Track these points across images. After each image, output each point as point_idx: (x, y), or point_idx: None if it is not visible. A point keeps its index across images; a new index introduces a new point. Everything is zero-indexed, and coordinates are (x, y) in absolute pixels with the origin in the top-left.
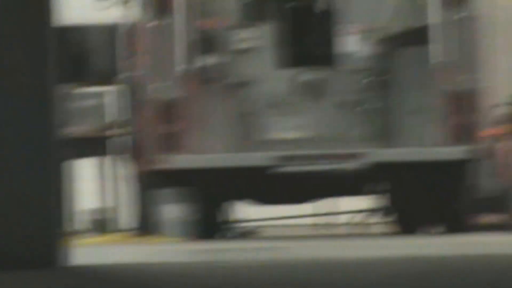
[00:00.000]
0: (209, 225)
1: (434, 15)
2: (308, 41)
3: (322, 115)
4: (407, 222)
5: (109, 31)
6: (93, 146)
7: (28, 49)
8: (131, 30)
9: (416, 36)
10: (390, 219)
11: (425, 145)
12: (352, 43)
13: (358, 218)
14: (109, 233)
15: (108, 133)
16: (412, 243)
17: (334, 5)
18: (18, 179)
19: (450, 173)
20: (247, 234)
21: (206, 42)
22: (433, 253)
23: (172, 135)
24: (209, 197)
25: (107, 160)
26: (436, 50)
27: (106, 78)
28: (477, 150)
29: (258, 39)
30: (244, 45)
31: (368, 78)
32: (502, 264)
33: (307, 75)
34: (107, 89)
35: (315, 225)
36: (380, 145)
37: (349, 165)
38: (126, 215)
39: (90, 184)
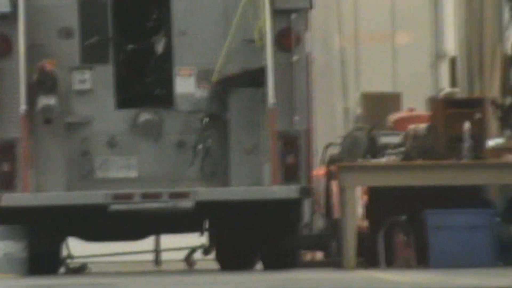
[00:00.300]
0: (43, 262)
1: (268, 57)
2: (146, 82)
3: (159, 154)
4: (234, 257)
5: None
6: None
7: None
8: None
9: (252, 78)
10: (218, 255)
11: (258, 184)
12: (189, 85)
13: (187, 254)
14: None
15: None
16: (239, 279)
17: (171, 48)
18: None
19: (278, 210)
20: (79, 270)
21: (47, 83)
22: None
23: (8, 174)
24: (44, 234)
25: None
26: (269, 91)
27: None
28: (305, 189)
29: (97, 80)
30: (84, 86)
31: (204, 119)
32: None
33: (145, 115)
34: None
35: (146, 262)
36: (215, 184)
37: (181, 204)
38: None
39: None
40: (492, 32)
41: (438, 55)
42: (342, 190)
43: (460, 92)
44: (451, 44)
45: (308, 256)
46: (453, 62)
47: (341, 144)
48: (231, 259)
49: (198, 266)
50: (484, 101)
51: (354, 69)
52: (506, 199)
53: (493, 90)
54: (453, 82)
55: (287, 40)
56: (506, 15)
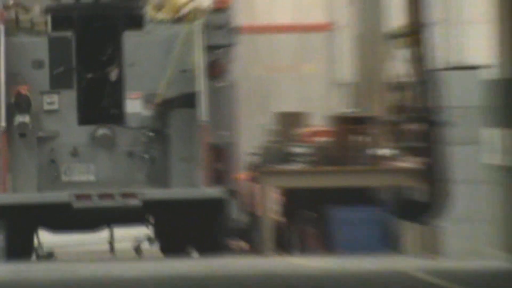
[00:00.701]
0: (18, 250)
1: (200, 84)
2: (102, 104)
3: (113, 162)
4: (174, 247)
5: None
6: None
7: None
8: None
9: (187, 100)
10: (161, 245)
11: (194, 186)
12: (137, 106)
13: (135, 244)
14: None
15: None
16: (176, 265)
17: (123, 76)
18: None
19: (210, 208)
20: (47, 257)
21: (22, 105)
22: (192, 272)
23: None
24: (19, 227)
25: None
26: (201, 111)
27: None
28: (231, 190)
29: (63, 102)
30: (52, 107)
31: (149, 134)
32: (252, 282)
33: (101, 130)
34: None
35: (103, 251)
36: (156, 186)
37: (131, 202)
38: None
39: None
40: (377, 62)
41: (336, 82)
42: (262, 191)
43: (357, 112)
44: (346, 73)
45: (235, 245)
46: (348, 87)
47: (259, 153)
48: (172, 248)
49: (145, 254)
50: (374, 119)
51: (269, 93)
52: (395, 198)
53: (380, 110)
54: (348, 104)
55: (215, 70)
56: (385, 48)
